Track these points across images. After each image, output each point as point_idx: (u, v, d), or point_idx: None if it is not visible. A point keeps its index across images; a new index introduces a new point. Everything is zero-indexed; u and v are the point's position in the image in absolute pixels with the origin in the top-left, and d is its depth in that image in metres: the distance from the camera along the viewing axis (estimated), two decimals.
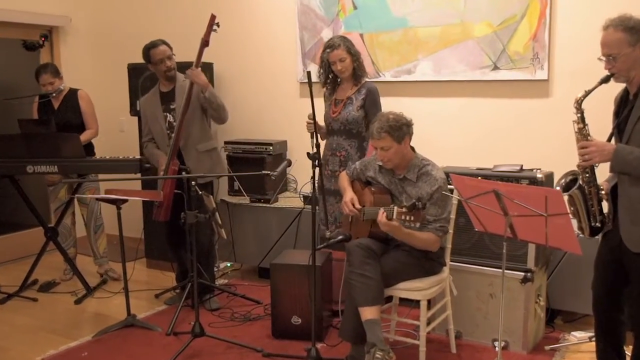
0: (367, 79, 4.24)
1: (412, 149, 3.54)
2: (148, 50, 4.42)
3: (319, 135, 3.72)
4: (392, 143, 3.40)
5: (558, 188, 2.87)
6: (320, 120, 4.24)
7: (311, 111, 3.65)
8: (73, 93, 5.15)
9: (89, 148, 5.11)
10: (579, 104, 2.84)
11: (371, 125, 3.48)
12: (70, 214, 5.36)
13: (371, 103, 4.13)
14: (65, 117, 5.04)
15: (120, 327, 4.25)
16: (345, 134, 4.16)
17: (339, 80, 4.23)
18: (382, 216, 3.31)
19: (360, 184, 3.74)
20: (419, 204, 3.13)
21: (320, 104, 4.26)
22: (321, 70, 4.22)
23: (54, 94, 5.01)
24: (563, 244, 2.84)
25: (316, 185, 3.53)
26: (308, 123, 4.00)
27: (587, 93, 2.81)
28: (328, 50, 4.10)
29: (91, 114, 5.15)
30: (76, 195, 5.02)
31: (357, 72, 4.15)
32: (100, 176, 5.11)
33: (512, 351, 3.78)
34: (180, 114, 4.33)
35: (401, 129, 3.40)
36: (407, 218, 3.16)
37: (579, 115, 2.83)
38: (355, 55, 4.13)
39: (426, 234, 3.42)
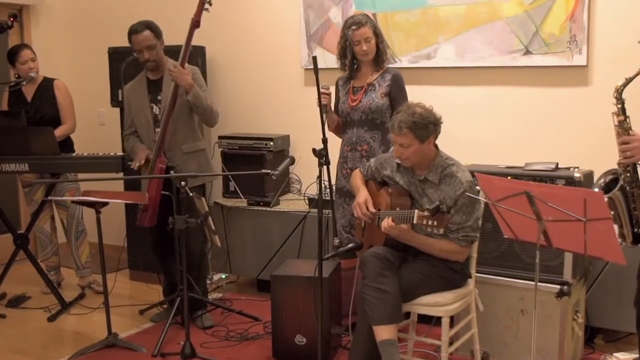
0: (389, 65, 4.25)
1: (435, 146, 3.55)
2: (130, 34, 4.44)
3: (326, 129, 3.73)
4: (413, 141, 3.40)
5: (597, 189, 2.88)
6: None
7: (317, 103, 3.66)
8: (49, 83, 5.19)
9: (67, 144, 5.15)
10: (619, 93, 2.85)
11: (394, 115, 3.49)
12: (49, 219, 5.40)
13: (398, 90, 4.14)
14: (41, 110, 5.08)
15: (100, 347, 4.25)
16: (368, 124, 4.17)
17: (355, 64, 4.22)
18: (387, 221, 3.35)
19: (376, 184, 3.75)
20: (443, 207, 3.14)
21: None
22: (341, 51, 4.17)
23: (25, 82, 5.02)
24: (604, 253, 2.85)
25: (323, 186, 3.54)
26: (323, 93, 3.91)
27: (629, 81, 2.83)
28: (353, 27, 4.06)
29: (68, 106, 5.19)
30: (49, 198, 5.04)
31: (381, 55, 4.15)
32: (79, 176, 5.14)
33: None
34: (166, 112, 4.35)
35: (427, 127, 3.39)
36: (430, 223, 3.17)
37: (619, 106, 2.85)
38: (381, 37, 4.14)
39: (445, 242, 3.44)
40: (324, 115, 3.88)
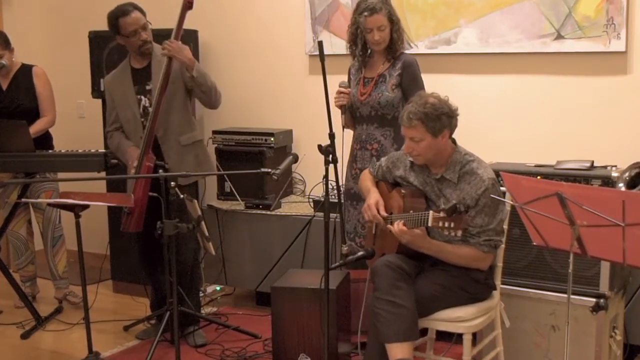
0: (403, 51, 4.25)
1: (453, 141, 3.57)
2: (116, 18, 4.43)
3: (342, 122, 3.74)
4: (425, 135, 3.41)
5: (621, 184, 2.87)
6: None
7: (324, 93, 3.68)
8: (27, 70, 5.22)
9: (46, 140, 5.17)
10: None
11: (405, 106, 3.51)
12: (26, 223, 5.41)
13: (410, 79, 4.13)
14: (17, 99, 5.11)
15: None
16: (378, 121, 4.18)
17: (369, 52, 4.23)
18: (398, 224, 3.37)
19: (387, 186, 3.76)
20: (460, 207, 3.16)
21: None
22: (351, 38, 4.18)
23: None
24: None
25: (330, 187, 3.55)
26: (340, 93, 4.00)
27: None
28: (366, 14, 4.04)
29: (48, 97, 5.20)
30: (23, 200, 5.05)
31: (395, 44, 4.14)
32: (58, 175, 5.15)
33: None
34: (157, 96, 4.35)
35: (439, 119, 3.40)
36: (447, 225, 3.18)
37: None
38: (397, 24, 4.12)
39: (465, 248, 3.45)
40: (342, 116, 3.89)
